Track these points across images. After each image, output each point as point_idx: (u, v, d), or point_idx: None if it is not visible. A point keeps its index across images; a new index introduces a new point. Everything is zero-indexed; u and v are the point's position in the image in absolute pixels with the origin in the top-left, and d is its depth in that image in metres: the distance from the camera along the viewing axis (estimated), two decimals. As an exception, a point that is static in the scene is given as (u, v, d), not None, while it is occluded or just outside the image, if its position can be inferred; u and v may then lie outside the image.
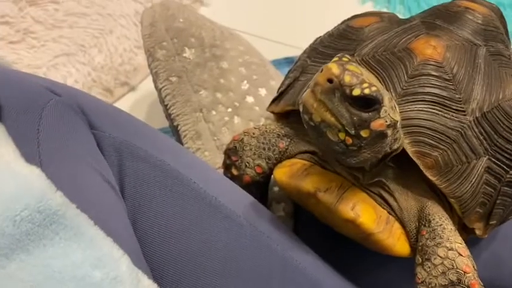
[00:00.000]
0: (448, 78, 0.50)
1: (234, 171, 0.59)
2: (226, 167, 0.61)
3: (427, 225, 0.50)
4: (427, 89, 0.50)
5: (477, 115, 0.50)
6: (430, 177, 0.49)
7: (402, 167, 0.51)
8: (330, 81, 0.43)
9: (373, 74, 0.51)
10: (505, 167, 0.51)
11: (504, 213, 0.53)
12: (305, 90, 0.45)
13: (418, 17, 0.57)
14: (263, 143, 0.58)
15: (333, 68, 0.43)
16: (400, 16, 0.61)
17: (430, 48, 0.51)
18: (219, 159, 0.70)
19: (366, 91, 0.43)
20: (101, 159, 0.52)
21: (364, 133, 0.44)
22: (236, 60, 0.77)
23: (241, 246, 0.52)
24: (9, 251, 0.39)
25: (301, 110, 0.45)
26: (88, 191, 0.47)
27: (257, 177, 0.59)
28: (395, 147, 0.48)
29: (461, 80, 0.50)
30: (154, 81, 0.75)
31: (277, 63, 0.94)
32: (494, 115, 0.50)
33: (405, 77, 0.50)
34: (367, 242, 0.52)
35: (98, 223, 0.43)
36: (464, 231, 0.53)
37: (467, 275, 0.47)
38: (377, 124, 0.44)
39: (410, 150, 0.49)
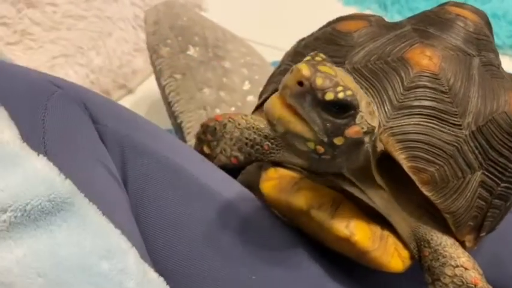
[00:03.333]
0: (444, 90, 0.49)
1: (206, 149, 0.57)
2: (199, 140, 0.58)
3: (427, 245, 0.50)
4: (424, 102, 0.48)
5: (473, 129, 0.49)
6: (426, 193, 0.48)
7: (391, 185, 0.50)
8: (300, 83, 0.39)
9: (366, 85, 0.49)
10: (497, 180, 0.51)
11: (492, 224, 0.54)
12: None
13: (408, 23, 0.55)
14: (247, 138, 0.54)
15: (304, 69, 0.39)
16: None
17: (426, 59, 0.49)
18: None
19: (340, 95, 0.39)
20: (104, 152, 0.52)
21: (338, 141, 0.41)
22: (238, 61, 0.77)
23: (244, 239, 0.51)
24: (17, 235, 0.38)
25: (265, 117, 0.42)
26: (94, 182, 0.47)
27: (229, 166, 0.56)
28: (376, 153, 0.47)
29: (458, 92, 0.49)
30: (158, 79, 0.75)
31: (278, 64, 0.95)
32: (488, 128, 0.50)
33: (401, 89, 0.49)
34: (362, 259, 0.51)
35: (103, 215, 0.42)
36: None
37: (478, 286, 0.47)
38: (352, 131, 0.41)
39: (406, 165, 0.47)
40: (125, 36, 1.03)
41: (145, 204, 0.50)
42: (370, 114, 0.43)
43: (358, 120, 0.41)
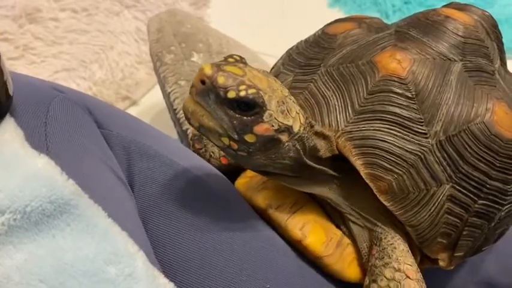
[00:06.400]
0: (410, 96, 0.46)
1: None
2: None
3: (377, 244, 0.48)
4: (386, 107, 0.46)
5: (441, 138, 0.45)
6: (385, 202, 0.45)
7: (357, 188, 0.48)
8: (204, 82, 0.40)
9: (333, 87, 0.48)
10: (472, 196, 0.47)
11: (474, 245, 0.49)
12: None
13: (394, 25, 0.53)
14: None
15: (206, 68, 0.40)
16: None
17: (395, 63, 0.47)
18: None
19: (242, 93, 0.40)
20: (110, 156, 0.50)
21: (248, 138, 0.41)
22: (243, 68, 0.76)
23: (257, 247, 0.50)
24: (16, 239, 0.36)
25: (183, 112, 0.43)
26: (100, 184, 0.45)
27: (222, 168, 0.56)
28: (319, 154, 0.46)
29: (426, 98, 0.46)
30: (162, 86, 0.74)
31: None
32: (461, 139, 0.46)
33: (365, 93, 0.47)
34: (317, 263, 0.50)
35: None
36: (430, 260, 0.50)
37: None
38: (261, 129, 0.41)
39: (363, 172, 0.45)
40: (127, 49, 1.02)
41: (153, 208, 0.49)
42: (282, 113, 0.42)
43: (266, 118, 0.41)
